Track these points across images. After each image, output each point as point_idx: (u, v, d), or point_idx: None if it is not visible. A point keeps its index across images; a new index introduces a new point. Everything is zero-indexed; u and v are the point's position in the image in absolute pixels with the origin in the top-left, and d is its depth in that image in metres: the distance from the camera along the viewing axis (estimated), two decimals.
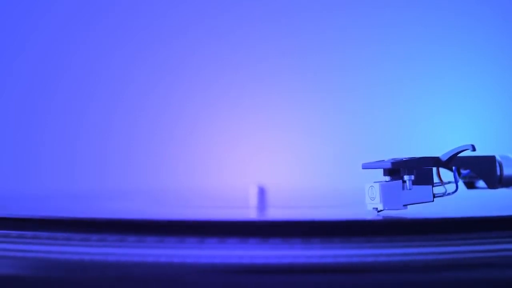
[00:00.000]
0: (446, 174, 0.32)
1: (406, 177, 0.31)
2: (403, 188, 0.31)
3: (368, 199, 0.32)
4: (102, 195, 0.56)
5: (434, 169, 0.32)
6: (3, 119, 0.75)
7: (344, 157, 0.71)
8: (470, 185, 0.35)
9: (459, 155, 0.32)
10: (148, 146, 0.74)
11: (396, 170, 0.32)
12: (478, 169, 0.33)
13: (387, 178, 0.32)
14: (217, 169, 0.74)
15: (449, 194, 0.32)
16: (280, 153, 0.74)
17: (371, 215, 0.31)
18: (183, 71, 0.75)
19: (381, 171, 0.32)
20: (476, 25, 0.74)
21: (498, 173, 0.33)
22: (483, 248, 0.27)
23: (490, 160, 0.33)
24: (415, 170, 0.31)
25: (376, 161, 0.32)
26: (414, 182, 0.31)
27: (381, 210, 0.31)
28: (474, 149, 0.31)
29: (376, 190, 0.31)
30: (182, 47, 0.75)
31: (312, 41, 0.74)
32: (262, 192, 0.46)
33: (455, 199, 0.33)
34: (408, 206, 0.32)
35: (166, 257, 0.25)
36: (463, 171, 0.34)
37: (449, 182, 0.32)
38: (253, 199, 0.45)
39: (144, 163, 0.74)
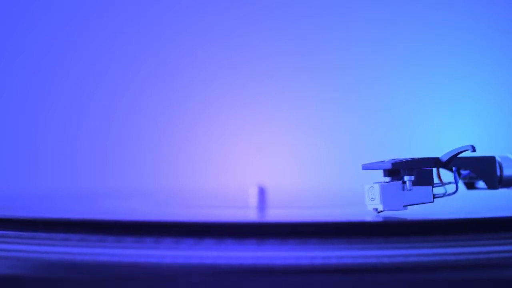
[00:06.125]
0: (446, 175, 0.32)
1: (406, 178, 0.31)
2: (403, 189, 0.31)
3: (368, 199, 0.32)
4: (102, 195, 0.56)
5: (434, 169, 0.32)
6: (3, 119, 0.75)
7: (344, 157, 0.71)
8: (470, 185, 0.35)
9: (459, 155, 0.32)
10: (148, 146, 0.74)
11: (396, 170, 0.32)
12: (478, 170, 0.33)
13: (387, 178, 0.32)
14: (217, 169, 0.74)
15: (449, 194, 0.32)
16: (280, 153, 0.74)
17: (371, 216, 0.31)
18: (183, 71, 0.75)
19: (381, 171, 0.32)
20: (476, 25, 0.74)
21: (498, 173, 0.33)
22: (483, 249, 0.27)
23: (490, 161, 0.33)
24: (415, 171, 0.31)
25: (376, 162, 0.32)
26: (414, 183, 0.31)
27: (381, 211, 0.31)
28: (474, 149, 0.31)
29: (376, 191, 0.31)
30: (182, 47, 0.75)
31: (312, 41, 0.74)
32: (262, 192, 0.45)
33: (455, 200, 0.33)
34: (408, 206, 0.32)
35: (163, 258, 0.25)
36: (463, 172, 0.34)
37: (449, 183, 0.32)
38: (253, 200, 0.45)
39: (144, 163, 0.74)
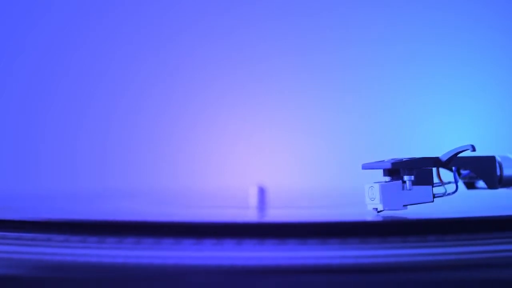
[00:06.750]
0: (446, 175, 0.32)
1: (406, 178, 0.31)
2: (403, 189, 0.31)
3: (368, 199, 0.32)
4: (102, 195, 0.56)
5: (434, 169, 0.32)
6: (3, 119, 0.75)
7: (344, 157, 0.71)
8: (470, 185, 0.35)
9: (459, 155, 0.32)
10: (148, 146, 0.74)
11: (396, 170, 0.32)
12: (478, 170, 0.32)
13: (387, 178, 0.32)
14: (217, 169, 0.74)
15: (449, 194, 0.32)
16: (280, 153, 0.74)
17: (371, 216, 0.31)
18: (183, 71, 0.75)
19: (381, 171, 0.32)
20: (476, 25, 0.74)
21: (498, 173, 0.33)
22: (483, 248, 0.27)
23: (490, 160, 0.33)
24: (415, 171, 0.31)
25: (376, 162, 0.32)
26: (414, 183, 0.31)
27: (381, 211, 0.31)
28: (474, 149, 0.31)
29: (376, 191, 0.31)
30: (182, 47, 0.75)
31: (312, 41, 0.74)
32: (262, 192, 0.45)
33: (455, 200, 0.33)
34: (408, 206, 0.32)
35: (162, 258, 0.25)
36: (463, 172, 0.34)
37: (449, 183, 0.32)
38: (253, 200, 0.45)
39: (144, 163, 0.74)
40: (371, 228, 0.28)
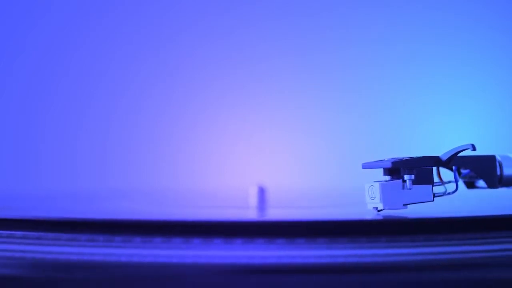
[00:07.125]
0: (446, 174, 0.32)
1: (406, 177, 0.31)
2: (403, 188, 0.31)
3: (368, 198, 0.32)
4: (102, 195, 0.56)
5: (434, 168, 0.32)
6: (3, 119, 0.75)
7: (344, 157, 0.71)
8: (470, 184, 0.35)
9: (459, 154, 0.32)
10: (148, 146, 0.74)
11: (396, 169, 0.32)
12: (478, 169, 0.32)
13: (387, 177, 0.32)
14: (217, 169, 0.74)
15: (449, 193, 0.32)
16: (280, 153, 0.74)
17: (371, 215, 0.31)
18: (183, 71, 0.75)
19: (381, 170, 0.32)
20: (476, 25, 0.74)
21: (498, 172, 0.33)
22: (483, 248, 0.27)
23: (490, 160, 0.33)
24: (415, 170, 0.31)
25: (376, 161, 0.32)
26: (414, 182, 0.31)
27: (381, 210, 0.31)
28: (474, 148, 0.31)
29: (376, 190, 0.31)
30: (182, 47, 0.75)
31: (312, 41, 0.74)
32: (262, 192, 0.45)
33: (455, 199, 0.33)
34: (408, 205, 0.32)
35: (154, 257, 0.25)
36: (463, 171, 0.34)
37: (449, 182, 0.32)
38: (253, 200, 0.45)
39: (144, 163, 0.74)
40: (370, 227, 0.28)
